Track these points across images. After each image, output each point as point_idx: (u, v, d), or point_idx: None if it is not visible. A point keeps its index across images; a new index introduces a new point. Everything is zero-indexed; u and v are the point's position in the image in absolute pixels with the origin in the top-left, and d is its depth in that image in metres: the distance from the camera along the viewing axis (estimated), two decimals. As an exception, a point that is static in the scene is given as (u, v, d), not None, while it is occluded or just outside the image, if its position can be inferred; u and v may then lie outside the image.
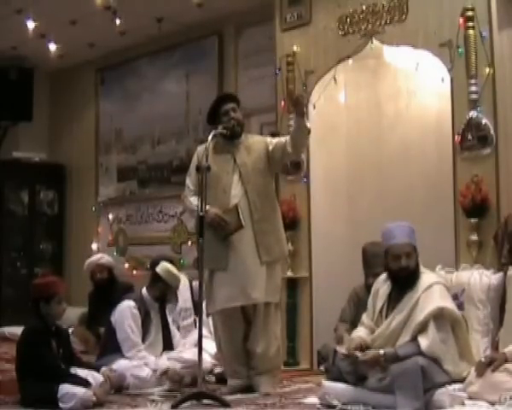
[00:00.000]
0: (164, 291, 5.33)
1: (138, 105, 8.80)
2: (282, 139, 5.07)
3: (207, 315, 5.19)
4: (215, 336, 5.24)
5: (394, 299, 4.40)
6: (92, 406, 4.42)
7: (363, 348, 4.31)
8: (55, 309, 4.62)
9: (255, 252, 4.93)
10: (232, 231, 4.90)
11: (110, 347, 5.21)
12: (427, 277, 4.39)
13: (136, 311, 5.21)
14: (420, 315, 4.20)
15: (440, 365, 4.10)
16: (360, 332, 4.48)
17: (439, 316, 4.20)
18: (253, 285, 4.92)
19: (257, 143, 5.15)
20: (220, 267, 4.98)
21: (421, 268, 4.43)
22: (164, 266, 5.35)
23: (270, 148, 5.06)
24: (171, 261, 6.18)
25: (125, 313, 5.21)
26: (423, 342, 4.13)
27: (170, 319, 5.90)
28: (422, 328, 4.17)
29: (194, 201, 4.98)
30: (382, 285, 4.52)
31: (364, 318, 4.56)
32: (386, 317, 4.38)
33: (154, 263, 5.78)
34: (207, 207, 4.75)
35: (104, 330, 5.48)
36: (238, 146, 5.09)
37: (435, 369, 4.07)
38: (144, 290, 5.35)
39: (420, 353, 4.08)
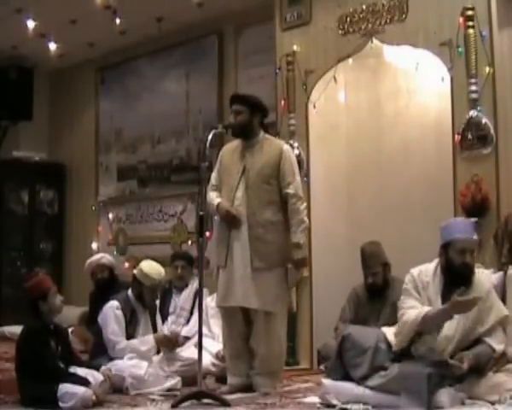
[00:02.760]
0: (139, 290, 5.30)
1: (138, 105, 8.79)
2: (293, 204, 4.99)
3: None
4: (222, 332, 5.28)
5: (450, 296, 4.20)
6: (92, 405, 4.42)
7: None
8: (53, 303, 4.64)
9: (248, 257, 4.94)
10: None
11: (100, 348, 5.22)
12: (481, 276, 4.30)
13: (118, 311, 5.21)
14: (487, 320, 4.14)
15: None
16: None
17: (504, 322, 4.18)
18: (242, 289, 4.94)
19: (272, 147, 5.10)
20: (220, 265, 5.06)
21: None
22: (140, 265, 5.36)
23: (282, 183, 5.01)
24: (188, 257, 6.25)
25: (108, 313, 5.23)
26: (498, 346, 4.10)
27: (169, 320, 5.91)
28: (489, 332, 4.14)
29: (212, 196, 5.10)
30: (433, 278, 4.31)
31: (416, 304, 4.26)
32: None
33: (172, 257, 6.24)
34: (218, 200, 5.02)
35: (95, 330, 5.49)
36: (252, 147, 5.10)
37: (439, 379, 4.05)
38: (129, 291, 5.36)
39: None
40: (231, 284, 4.98)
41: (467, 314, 4.11)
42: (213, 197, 5.09)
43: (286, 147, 5.18)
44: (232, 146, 5.23)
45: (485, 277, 4.36)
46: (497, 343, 4.11)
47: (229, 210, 4.97)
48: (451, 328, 4.16)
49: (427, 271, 4.35)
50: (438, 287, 4.26)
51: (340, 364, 4.36)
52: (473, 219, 4.42)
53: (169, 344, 5.36)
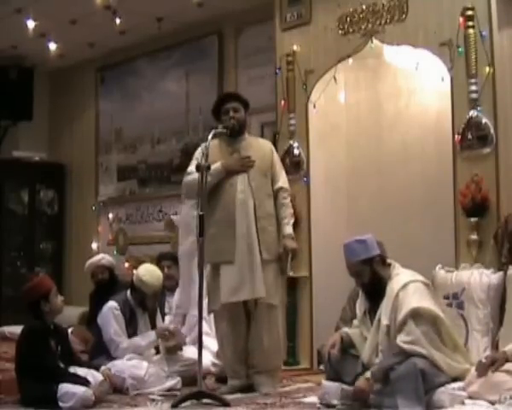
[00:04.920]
0: (140, 297, 5.26)
1: (138, 104, 8.80)
2: (282, 200, 5.14)
3: (209, 312, 5.19)
4: (216, 335, 5.24)
5: (372, 307, 4.39)
6: (92, 405, 4.43)
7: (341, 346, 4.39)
8: (55, 303, 4.67)
9: (257, 248, 4.98)
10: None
11: (100, 348, 5.22)
12: (399, 278, 4.31)
13: (118, 312, 5.20)
14: (398, 317, 4.16)
15: (434, 362, 4.06)
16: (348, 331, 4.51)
17: (417, 316, 4.14)
18: (258, 280, 4.94)
19: (262, 146, 5.28)
20: (227, 260, 4.98)
21: (394, 271, 4.37)
22: (137, 273, 5.29)
23: (274, 178, 5.16)
24: (173, 256, 6.23)
25: (107, 314, 5.22)
26: (399, 337, 4.10)
27: (166, 321, 5.89)
28: (400, 328, 4.14)
29: (195, 175, 4.89)
30: (361, 294, 4.53)
31: (355, 322, 4.54)
32: (371, 325, 4.37)
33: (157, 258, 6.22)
34: (217, 163, 4.97)
35: (95, 331, 5.49)
36: (242, 143, 5.18)
37: (434, 370, 4.06)
38: (128, 292, 5.34)
39: (406, 353, 4.05)
40: (241, 279, 4.93)
41: (379, 319, 4.26)
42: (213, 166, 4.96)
43: (272, 145, 5.41)
44: (215, 143, 5.09)
45: (400, 278, 4.31)
46: (403, 337, 4.09)
47: (238, 157, 5.06)
48: (371, 333, 4.32)
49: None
50: (365, 301, 4.47)
51: (333, 370, 4.42)
52: (362, 237, 4.46)
53: (171, 337, 5.33)
